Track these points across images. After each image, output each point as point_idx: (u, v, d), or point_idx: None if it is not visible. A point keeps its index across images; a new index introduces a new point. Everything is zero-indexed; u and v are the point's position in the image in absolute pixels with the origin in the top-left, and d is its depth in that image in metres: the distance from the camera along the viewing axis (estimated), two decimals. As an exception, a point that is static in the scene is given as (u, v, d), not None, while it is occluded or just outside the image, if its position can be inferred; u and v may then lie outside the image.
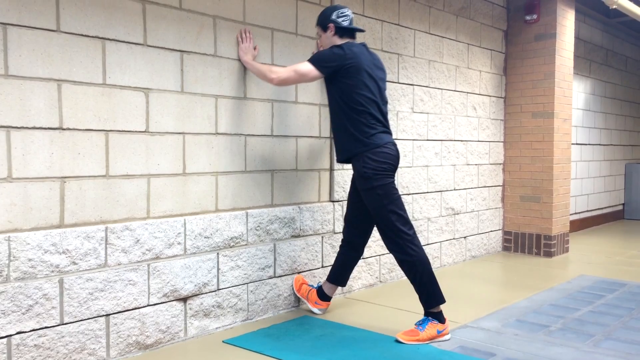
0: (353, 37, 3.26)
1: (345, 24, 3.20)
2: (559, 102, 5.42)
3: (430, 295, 3.07)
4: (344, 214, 3.49)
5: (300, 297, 3.54)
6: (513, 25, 5.58)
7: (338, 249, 3.48)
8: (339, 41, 3.19)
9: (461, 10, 4.99)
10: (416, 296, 3.22)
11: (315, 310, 3.48)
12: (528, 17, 5.44)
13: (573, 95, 6.62)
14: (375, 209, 3.09)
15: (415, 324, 3.07)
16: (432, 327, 3.03)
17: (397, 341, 3.00)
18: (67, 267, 2.55)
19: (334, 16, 3.20)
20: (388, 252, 4.23)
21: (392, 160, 3.12)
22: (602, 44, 7.39)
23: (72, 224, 2.58)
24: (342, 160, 3.23)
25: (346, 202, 3.47)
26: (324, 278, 3.76)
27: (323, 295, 3.46)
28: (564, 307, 3.70)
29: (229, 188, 3.22)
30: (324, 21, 3.23)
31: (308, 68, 3.07)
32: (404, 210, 3.10)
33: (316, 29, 3.32)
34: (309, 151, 3.68)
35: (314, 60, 3.09)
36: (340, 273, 3.45)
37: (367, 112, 3.09)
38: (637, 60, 8.43)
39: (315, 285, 3.54)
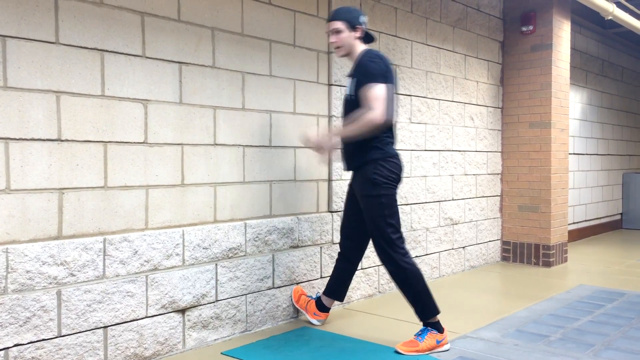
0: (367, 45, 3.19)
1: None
2: (556, 112, 5.44)
3: (425, 307, 3.05)
4: (340, 225, 3.46)
5: (298, 308, 3.52)
6: (509, 36, 5.62)
7: (340, 262, 3.43)
8: (358, 45, 3.11)
9: (458, 22, 5.03)
10: (415, 306, 3.21)
11: (313, 321, 3.46)
12: (524, 28, 5.48)
13: (570, 106, 6.65)
14: (375, 217, 3.06)
15: (415, 335, 3.06)
16: (432, 337, 3.01)
17: (397, 352, 2.99)
18: (65, 279, 2.54)
19: (362, 19, 3.09)
20: (387, 262, 4.23)
21: (400, 172, 3.10)
22: (598, 54, 7.44)
23: (71, 235, 2.57)
24: (352, 167, 3.14)
25: (342, 213, 3.45)
26: (323, 289, 3.74)
27: (322, 307, 3.45)
28: (563, 317, 3.69)
29: (228, 199, 3.22)
30: (353, 20, 3.06)
31: (384, 87, 2.91)
32: (400, 226, 3.09)
33: (337, 23, 3.06)
34: (307, 162, 3.68)
35: (378, 77, 2.91)
36: (337, 287, 3.42)
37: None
38: (633, 70, 8.48)
39: (314, 296, 3.53)
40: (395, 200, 3.09)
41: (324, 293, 3.45)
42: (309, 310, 3.47)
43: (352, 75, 3.10)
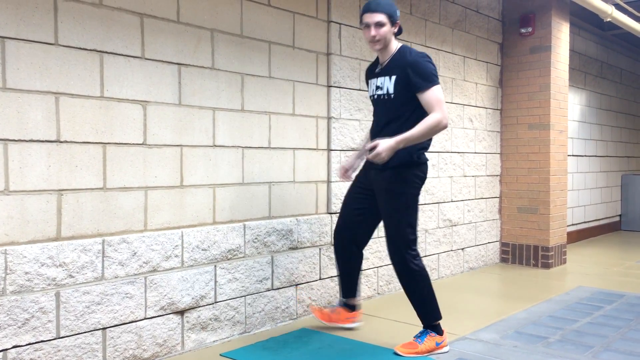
0: None
1: None
2: (555, 113, 5.45)
3: (429, 312, 3.05)
4: (344, 220, 3.28)
5: (331, 325, 3.39)
6: (508, 38, 5.63)
7: (341, 260, 3.32)
8: (393, 40, 3.00)
9: (457, 24, 5.03)
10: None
11: (350, 325, 3.38)
12: (523, 30, 5.49)
13: (569, 107, 6.66)
14: (397, 214, 2.98)
15: (414, 337, 3.06)
16: (431, 339, 3.01)
17: (396, 354, 2.99)
18: (64, 280, 2.54)
19: (398, 13, 2.99)
20: (385, 264, 4.23)
21: (426, 176, 3.08)
22: (597, 56, 7.45)
23: (69, 236, 2.57)
24: (386, 166, 2.94)
25: (345, 205, 3.27)
26: (321, 290, 3.75)
27: (350, 307, 3.40)
28: (562, 318, 3.69)
29: (227, 200, 3.22)
30: (394, 15, 2.94)
31: (441, 89, 2.90)
32: (417, 227, 3.05)
33: (381, 16, 2.90)
34: (306, 163, 3.68)
35: (435, 78, 2.88)
36: (354, 284, 3.35)
37: None
38: (631, 72, 8.50)
39: (336, 304, 3.42)
40: (418, 201, 3.03)
41: (345, 297, 3.38)
42: (340, 319, 3.37)
43: (389, 72, 2.98)
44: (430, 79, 2.87)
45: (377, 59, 3.14)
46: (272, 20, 3.46)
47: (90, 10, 2.62)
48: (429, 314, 3.05)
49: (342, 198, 3.87)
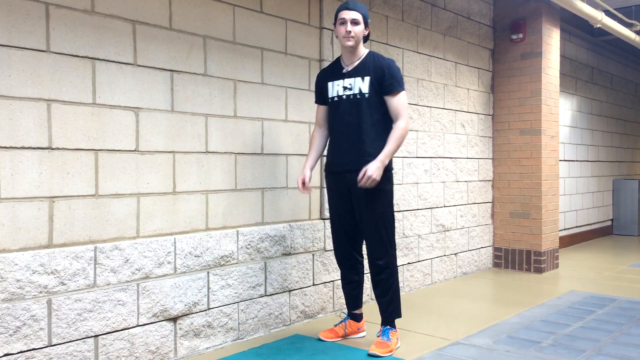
0: None
1: None
2: (546, 119, 5.48)
3: (398, 307, 3.18)
4: (339, 236, 3.28)
5: (347, 337, 3.37)
6: (499, 44, 5.67)
7: (349, 275, 3.31)
8: (362, 42, 3.12)
9: (448, 30, 5.07)
10: (407, 313, 3.21)
11: (361, 334, 3.39)
12: (514, 36, 5.53)
13: (560, 113, 6.70)
14: (384, 213, 3.06)
15: (381, 336, 3.11)
16: (393, 335, 3.14)
17: (375, 356, 3.00)
18: (56, 288, 2.52)
19: (369, 20, 3.15)
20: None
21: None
22: (588, 62, 7.51)
23: (61, 244, 2.56)
24: (361, 166, 3.00)
25: (338, 224, 3.27)
26: (315, 296, 3.75)
27: (357, 318, 3.39)
28: (554, 322, 3.70)
29: (220, 206, 3.22)
30: (367, 18, 3.10)
31: (405, 96, 3.07)
32: None
33: (358, 14, 3.03)
34: (299, 169, 3.68)
35: (403, 83, 3.06)
36: (359, 298, 3.38)
37: None
38: (622, 77, 8.57)
39: (345, 318, 3.40)
40: None
41: (353, 309, 3.37)
42: (353, 331, 3.37)
43: (361, 74, 3.06)
44: (401, 83, 3.05)
45: (335, 63, 3.22)
46: (264, 27, 3.47)
47: (82, 17, 2.62)
48: (399, 308, 3.17)
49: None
